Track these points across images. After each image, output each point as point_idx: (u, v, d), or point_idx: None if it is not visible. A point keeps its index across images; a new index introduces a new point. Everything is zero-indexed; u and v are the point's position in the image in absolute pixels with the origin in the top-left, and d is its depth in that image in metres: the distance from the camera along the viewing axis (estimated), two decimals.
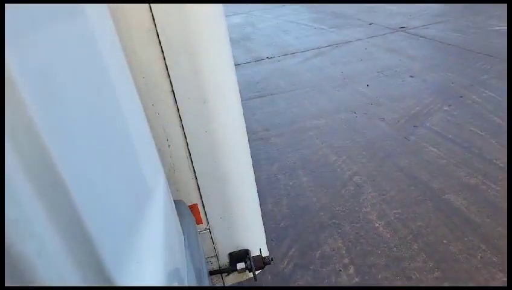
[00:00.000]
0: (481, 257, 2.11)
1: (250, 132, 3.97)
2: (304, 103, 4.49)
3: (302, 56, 6.35)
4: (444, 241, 2.25)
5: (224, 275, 1.21)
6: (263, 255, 1.21)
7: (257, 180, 3.07)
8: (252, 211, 1.29)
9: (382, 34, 7.02)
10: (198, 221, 1.14)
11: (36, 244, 0.28)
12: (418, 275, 2.07)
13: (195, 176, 1.10)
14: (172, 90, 0.97)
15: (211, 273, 1.18)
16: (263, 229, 1.43)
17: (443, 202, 2.57)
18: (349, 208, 2.64)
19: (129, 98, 0.62)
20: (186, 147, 1.05)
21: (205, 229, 1.18)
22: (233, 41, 8.10)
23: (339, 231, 2.46)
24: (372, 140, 3.46)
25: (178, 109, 0.99)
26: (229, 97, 1.08)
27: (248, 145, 1.24)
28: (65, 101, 0.39)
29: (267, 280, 2.18)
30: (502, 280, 1.97)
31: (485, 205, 2.47)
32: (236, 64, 6.36)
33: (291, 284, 2.14)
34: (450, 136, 3.31)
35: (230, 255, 1.22)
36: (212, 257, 1.21)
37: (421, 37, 6.42)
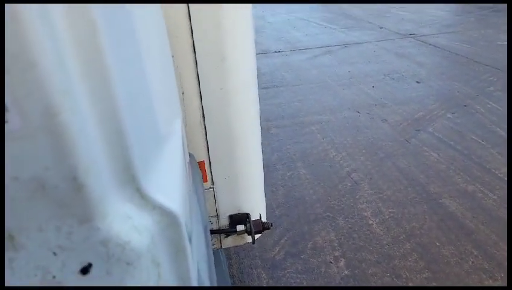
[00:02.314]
0: (472, 262, 2.11)
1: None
2: (308, 98, 4.48)
3: (311, 53, 6.33)
4: (437, 244, 2.25)
5: (223, 236, 1.21)
6: (263, 221, 1.21)
7: None
8: (255, 176, 1.29)
9: (392, 38, 7.00)
10: (204, 179, 1.14)
11: (79, 119, 0.30)
12: (408, 274, 2.06)
13: (206, 133, 1.09)
14: (193, 44, 0.96)
15: (212, 232, 1.18)
16: (264, 195, 1.42)
17: (439, 205, 2.56)
18: (344, 203, 2.64)
19: (162, 37, 0.63)
20: (200, 102, 1.05)
21: (209, 188, 1.17)
22: None
23: (333, 224, 2.46)
24: (373, 140, 3.45)
25: (197, 64, 0.98)
26: (246, 57, 1.07)
27: (258, 111, 1.24)
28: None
29: (257, 264, 2.18)
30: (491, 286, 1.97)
31: (481, 212, 2.47)
32: None
33: (280, 271, 2.14)
34: (451, 142, 3.31)
35: (231, 217, 1.21)
36: (213, 216, 1.20)
37: (430, 44, 6.40)
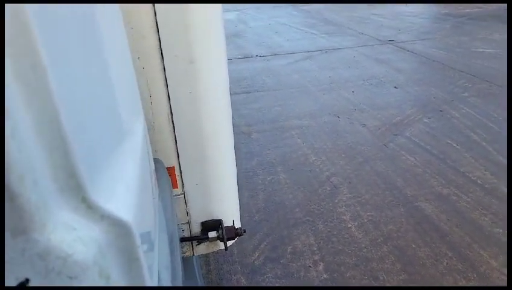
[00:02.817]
0: (447, 263, 2.16)
1: (232, 125, 3.97)
2: (288, 103, 4.51)
3: (292, 58, 6.39)
4: (413, 246, 2.29)
5: (195, 243, 1.19)
6: (236, 227, 1.20)
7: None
8: (228, 182, 1.27)
9: (371, 44, 7.14)
10: (174, 185, 1.12)
11: (10, 123, 0.28)
12: (385, 276, 2.09)
13: (175, 138, 1.07)
14: (160, 46, 0.94)
15: (182, 240, 1.15)
16: (238, 201, 1.42)
17: (415, 208, 2.62)
18: (324, 207, 2.66)
19: (119, 41, 0.61)
20: (169, 106, 1.02)
21: (180, 194, 1.15)
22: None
23: (312, 228, 2.47)
24: (352, 144, 3.50)
25: (164, 66, 0.97)
26: (217, 60, 1.06)
27: (231, 114, 1.23)
28: (63, 27, 0.38)
29: (237, 270, 2.17)
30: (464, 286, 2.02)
31: (455, 215, 2.53)
32: None
33: (260, 277, 2.13)
34: (428, 147, 3.39)
35: (203, 224, 1.19)
36: (184, 223, 1.18)
37: (408, 51, 6.56)
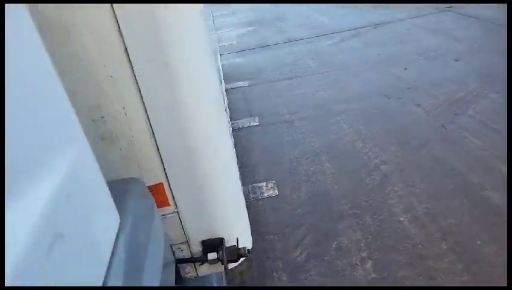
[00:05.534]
0: None
1: (274, 114, 3.84)
2: (334, 86, 4.25)
3: (337, 37, 6.03)
4: (478, 242, 2.02)
5: (197, 264, 1.10)
6: (239, 247, 1.07)
7: (277, 164, 2.97)
8: (229, 195, 1.14)
9: (426, 14, 6.50)
10: (165, 203, 1.02)
11: None
12: (443, 277, 1.87)
13: (158, 151, 0.96)
14: (126, 49, 0.83)
15: (178, 261, 1.06)
16: (246, 215, 1.28)
17: (480, 198, 2.31)
18: (373, 199, 2.45)
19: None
20: (146, 117, 0.91)
21: (173, 213, 1.04)
22: (265, 22, 7.87)
23: (360, 222, 2.29)
24: (405, 127, 3.19)
25: (134, 72, 0.85)
26: (200, 59, 0.93)
27: (227, 119, 1.10)
28: None
29: (278, 267, 2.07)
30: None
31: None
32: (265, 46, 6.19)
33: (303, 274, 2.02)
34: (495, 125, 2.98)
35: (203, 243, 1.09)
36: (182, 243, 1.08)
37: (471, 17, 5.87)
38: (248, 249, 1.10)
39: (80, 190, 0.54)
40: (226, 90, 4.77)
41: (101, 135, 0.89)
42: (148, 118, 0.92)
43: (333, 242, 2.18)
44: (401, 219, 2.26)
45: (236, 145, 3.47)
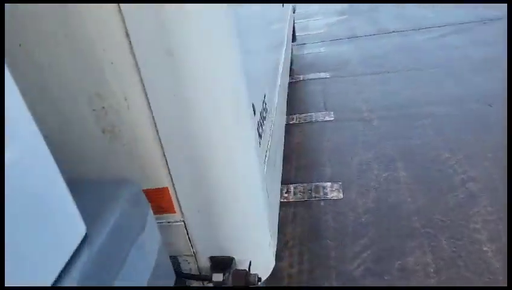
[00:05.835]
0: None
1: (352, 110, 3.60)
2: (424, 85, 3.83)
3: (437, 32, 5.42)
4: None
5: (205, 282, 0.99)
6: (251, 272, 0.90)
7: (347, 164, 2.77)
8: (248, 212, 0.96)
9: None
10: (170, 209, 0.90)
11: None
12: None
13: (163, 151, 0.84)
14: (127, 32, 0.73)
15: (178, 275, 0.95)
16: (268, 233, 1.06)
17: None
18: (452, 219, 2.14)
19: None
20: (150, 112, 0.80)
21: (179, 221, 0.93)
22: (359, 12, 7.43)
23: (432, 243, 2.01)
24: (505, 141, 2.72)
25: (136, 61, 0.75)
26: (211, 47, 0.77)
27: (251, 123, 0.92)
28: None
29: (331, 276, 1.93)
30: None
31: None
32: (355, 37, 5.84)
33: None
34: None
35: (212, 259, 0.96)
36: (188, 255, 0.97)
37: None
38: (259, 278, 0.95)
39: (22, 191, 0.47)
40: (305, 80, 4.62)
41: (102, 128, 0.82)
42: (152, 113, 0.83)
43: (397, 261, 1.95)
44: (485, 248, 1.93)
45: (305, 139, 3.34)
